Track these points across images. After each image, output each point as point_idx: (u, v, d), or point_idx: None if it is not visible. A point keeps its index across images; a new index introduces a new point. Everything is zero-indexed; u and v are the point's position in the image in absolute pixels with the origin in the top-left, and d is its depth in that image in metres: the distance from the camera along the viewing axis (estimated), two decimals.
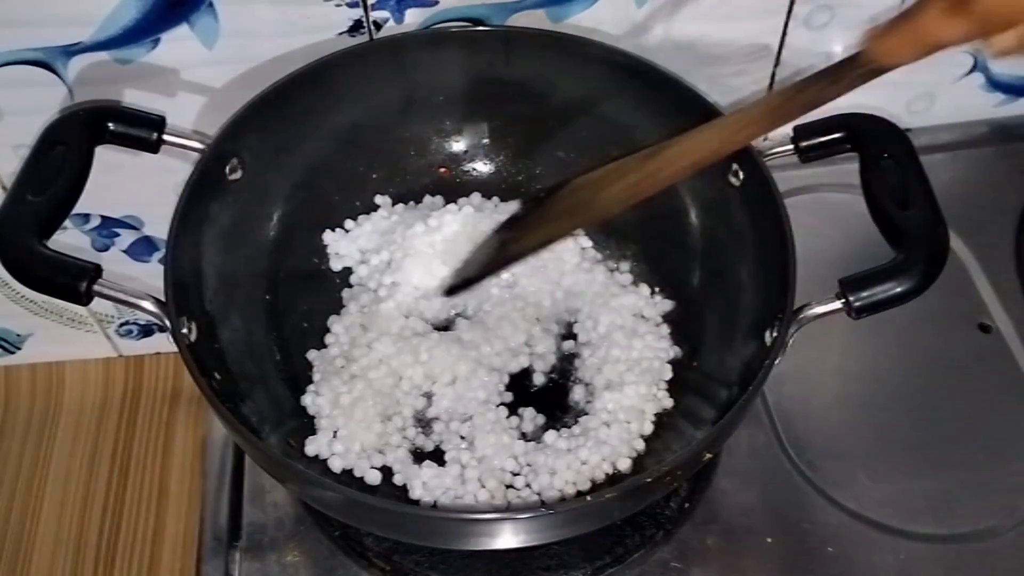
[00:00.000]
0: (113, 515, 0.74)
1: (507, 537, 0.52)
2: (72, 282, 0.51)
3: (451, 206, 0.69)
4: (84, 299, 0.52)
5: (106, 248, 0.74)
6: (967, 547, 0.63)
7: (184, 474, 0.75)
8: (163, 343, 0.82)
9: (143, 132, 0.58)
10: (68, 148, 0.55)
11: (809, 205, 0.75)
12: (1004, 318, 0.73)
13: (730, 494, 0.65)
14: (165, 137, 0.58)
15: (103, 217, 0.71)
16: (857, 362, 0.73)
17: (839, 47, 0.72)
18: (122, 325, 0.81)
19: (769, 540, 0.64)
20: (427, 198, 0.71)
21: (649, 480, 0.50)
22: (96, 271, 0.52)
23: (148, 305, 0.53)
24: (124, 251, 0.74)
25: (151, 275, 0.76)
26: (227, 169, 0.60)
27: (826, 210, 0.75)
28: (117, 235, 0.73)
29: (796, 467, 0.66)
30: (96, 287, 0.52)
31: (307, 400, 0.62)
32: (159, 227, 0.73)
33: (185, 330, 0.53)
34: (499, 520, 0.52)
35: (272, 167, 0.64)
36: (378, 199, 0.70)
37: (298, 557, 0.64)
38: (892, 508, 0.65)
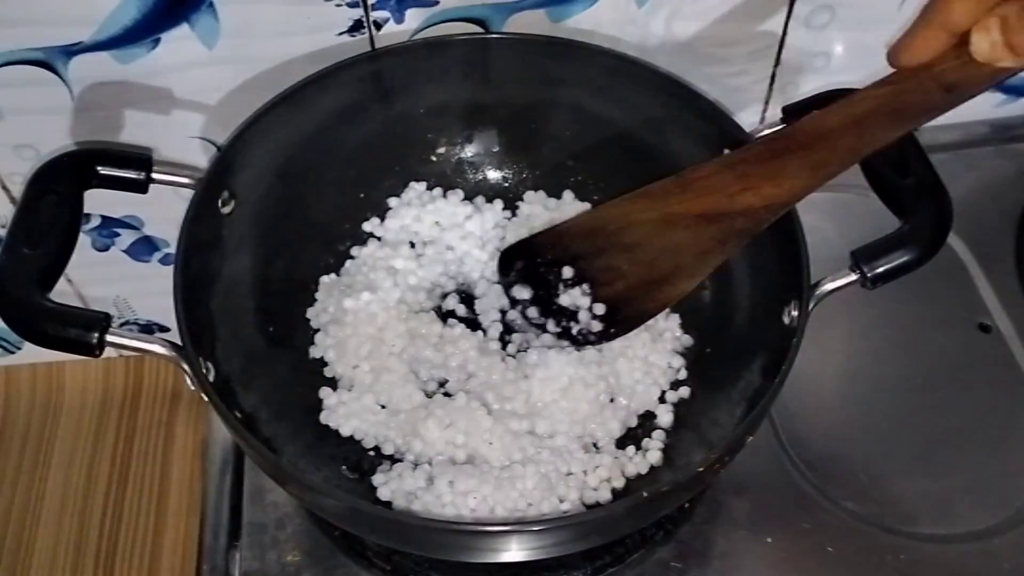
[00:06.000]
0: (113, 515, 0.74)
1: (539, 548, 0.52)
2: (83, 335, 0.50)
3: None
4: (97, 351, 0.50)
5: (106, 248, 0.74)
6: (967, 547, 0.63)
7: (184, 474, 0.75)
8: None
9: (131, 173, 0.57)
10: (58, 197, 0.54)
11: (809, 205, 0.75)
12: (1004, 318, 0.73)
13: (730, 494, 0.65)
14: (154, 175, 0.57)
15: (103, 217, 0.71)
16: (857, 362, 0.73)
17: (839, 47, 0.72)
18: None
19: (769, 540, 0.64)
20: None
21: (701, 469, 0.51)
22: (106, 319, 0.50)
23: (163, 350, 0.52)
24: (124, 251, 0.74)
25: (151, 275, 0.76)
26: (219, 203, 0.60)
27: (826, 210, 0.75)
28: (117, 235, 0.73)
29: (796, 467, 0.66)
30: (108, 337, 0.50)
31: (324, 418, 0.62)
32: (159, 227, 0.73)
33: (204, 370, 0.53)
34: (515, 532, 0.51)
35: (265, 196, 0.63)
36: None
37: (298, 557, 0.64)
38: (892, 508, 0.65)
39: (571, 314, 0.62)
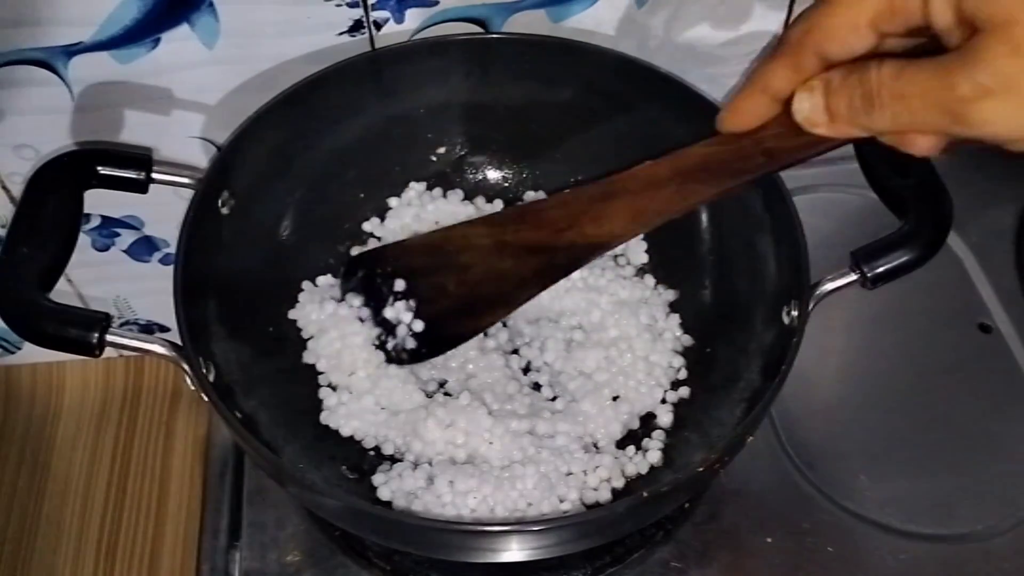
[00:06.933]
0: (113, 515, 0.74)
1: (538, 548, 0.52)
2: (83, 335, 0.50)
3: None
4: (96, 351, 0.50)
5: (106, 248, 0.74)
6: (967, 547, 0.63)
7: (184, 474, 0.75)
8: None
9: (131, 173, 0.57)
10: (58, 197, 0.54)
11: (809, 205, 0.75)
12: (1004, 318, 0.73)
13: (730, 494, 0.65)
14: (154, 175, 0.57)
15: (103, 217, 0.71)
16: (857, 362, 0.73)
17: None
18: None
19: (769, 540, 0.64)
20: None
21: (702, 469, 0.51)
22: (106, 319, 0.50)
23: (163, 350, 0.52)
24: (124, 251, 0.74)
25: (151, 275, 0.76)
26: (219, 203, 0.60)
27: (826, 210, 0.75)
28: (117, 235, 0.73)
29: (796, 467, 0.66)
30: (108, 336, 0.50)
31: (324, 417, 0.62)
32: (159, 227, 0.73)
33: (204, 370, 0.53)
34: (515, 532, 0.51)
35: (265, 196, 0.63)
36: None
37: (298, 557, 0.64)
38: (892, 508, 0.65)
39: (392, 327, 0.61)
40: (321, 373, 0.64)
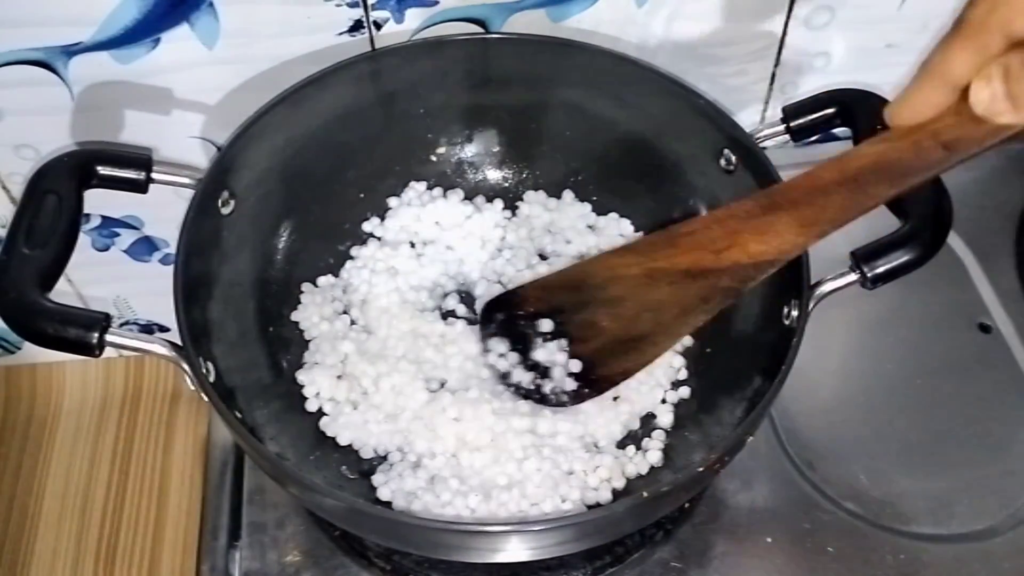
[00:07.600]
0: (113, 515, 0.74)
1: (538, 548, 0.52)
2: (83, 335, 0.50)
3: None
4: (97, 351, 0.50)
5: (106, 248, 0.74)
6: (967, 547, 0.63)
7: (184, 474, 0.75)
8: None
9: (131, 173, 0.57)
10: (58, 197, 0.54)
11: None
12: (1004, 318, 0.73)
13: (730, 494, 0.65)
14: (154, 175, 0.57)
15: (103, 217, 0.71)
16: (857, 362, 0.73)
17: (839, 47, 0.72)
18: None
19: (769, 540, 0.64)
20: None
21: (701, 469, 0.51)
22: (106, 319, 0.50)
23: (163, 350, 0.52)
24: (124, 251, 0.74)
25: (151, 275, 0.76)
26: (219, 203, 0.60)
27: None
28: (117, 235, 0.73)
29: (796, 467, 0.66)
30: (108, 337, 0.50)
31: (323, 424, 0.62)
32: (159, 227, 0.73)
33: (204, 370, 0.53)
34: (515, 532, 0.51)
35: (265, 196, 0.64)
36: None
37: (298, 557, 0.64)
38: (892, 508, 0.65)
39: (545, 371, 0.60)
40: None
